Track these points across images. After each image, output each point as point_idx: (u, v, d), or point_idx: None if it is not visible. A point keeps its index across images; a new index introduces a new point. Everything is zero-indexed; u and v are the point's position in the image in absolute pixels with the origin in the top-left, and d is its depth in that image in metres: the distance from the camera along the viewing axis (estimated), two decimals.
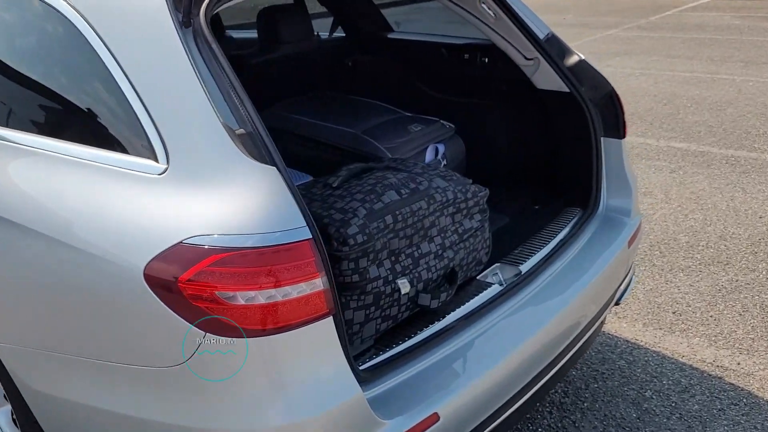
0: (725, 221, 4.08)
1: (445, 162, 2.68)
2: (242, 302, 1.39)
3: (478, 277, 2.11)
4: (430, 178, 1.96)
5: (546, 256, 2.26)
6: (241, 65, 2.85)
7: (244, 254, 1.39)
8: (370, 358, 1.72)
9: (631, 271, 2.57)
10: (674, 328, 3.11)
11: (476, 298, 1.99)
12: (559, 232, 2.42)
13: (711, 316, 3.18)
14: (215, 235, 1.40)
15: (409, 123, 2.68)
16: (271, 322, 1.40)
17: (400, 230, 1.78)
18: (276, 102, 2.83)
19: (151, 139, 1.53)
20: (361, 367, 1.68)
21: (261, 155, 1.50)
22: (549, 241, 2.35)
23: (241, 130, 1.54)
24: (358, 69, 3.12)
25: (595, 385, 2.76)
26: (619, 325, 3.15)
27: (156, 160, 1.53)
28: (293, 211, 1.43)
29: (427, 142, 2.64)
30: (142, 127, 1.54)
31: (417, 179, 1.91)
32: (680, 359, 2.90)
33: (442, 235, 1.93)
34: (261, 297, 1.39)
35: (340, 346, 1.49)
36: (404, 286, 1.77)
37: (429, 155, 2.64)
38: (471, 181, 2.10)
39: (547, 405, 2.66)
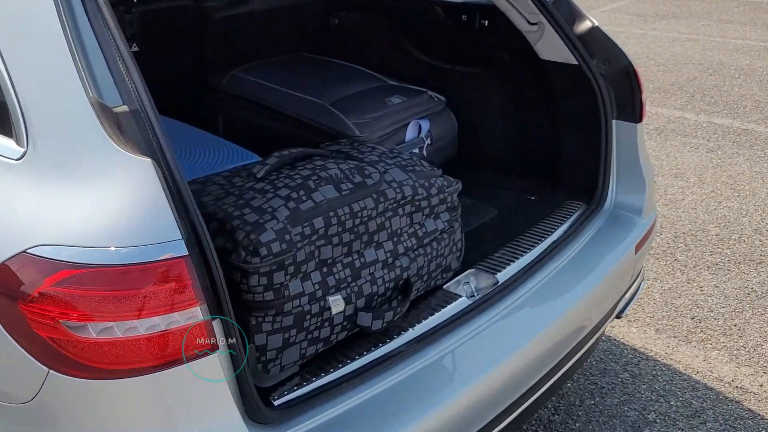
0: (763, 212, 3.64)
1: (429, 141, 2.32)
2: (94, 335, 1.08)
3: (444, 287, 1.78)
4: (385, 169, 1.62)
5: (533, 261, 1.91)
6: (204, 20, 2.52)
7: (101, 273, 1.08)
8: (291, 390, 1.41)
9: (638, 279, 2.20)
10: (691, 337, 2.74)
11: (436, 314, 1.66)
12: (554, 231, 2.06)
13: (735, 325, 2.79)
14: (67, 246, 1.10)
15: (390, 94, 2.32)
16: (131, 361, 1.09)
17: (334, 236, 1.45)
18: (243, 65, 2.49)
19: (11, 112, 1.22)
20: (277, 402, 1.37)
21: (144, 142, 1.18)
22: (540, 242, 2.00)
23: (123, 108, 1.22)
24: (343, 28, 2.75)
25: (591, 402, 2.43)
26: (627, 329, 2.79)
27: (16, 140, 1.22)
28: (166, 220, 1.11)
29: (408, 118, 2.28)
30: (1, 92, 1.23)
31: (366, 170, 1.57)
32: (694, 376, 2.54)
33: (395, 239, 1.59)
34: (118, 329, 1.08)
35: (229, 391, 1.18)
36: (337, 304, 1.44)
37: (410, 133, 2.29)
38: (440, 171, 1.74)
39: (533, 423, 2.34)
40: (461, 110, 2.47)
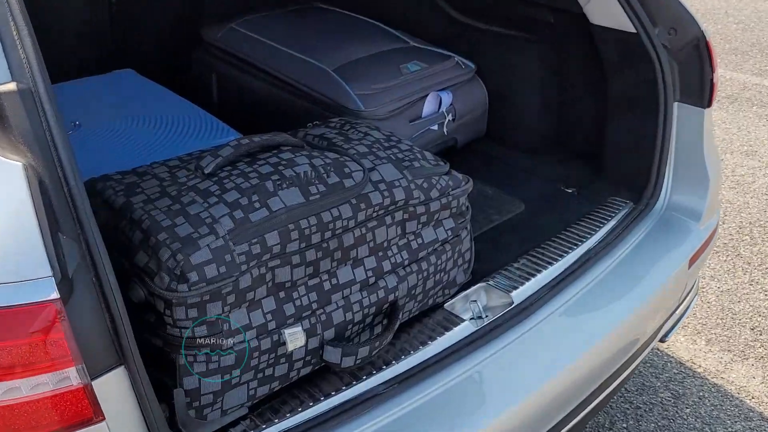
0: None
1: (451, 116, 1.97)
2: None
3: (446, 305, 1.46)
4: (374, 165, 1.29)
5: (562, 274, 1.57)
6: None
7: None
8: None
9: (689, 296, 1.84)
10: (748, 352, 2.36)
11: (431, 345, 1.35)
12: (591, 236, 1.71)
13: None
14: None
15: (409, 59, 1.97)
16: None
17: (294, 254, 1.15)
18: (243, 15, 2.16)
19: None
20: None
21: (32, 133, 0.90)
22: (572, 249, 1.66)
23: (10, 86, 0.93)
24: None
25: (624, 425, 2.10)
26: (674, 337, 2.43)
27: None
28: (33, 250, 0.82)
29: (426, 89, 1.92)
30: None
31: (348, 167, 1.25)
32: (748, 401, 2.18)
33: (380, 254, 1.28)
34: None
35: None
36: (294, 338, 1.15)
37: (428, 107, 1.94)
38: (447, 167, 1.40)
39: None
40: (493, 79, 2.10)
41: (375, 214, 1.25)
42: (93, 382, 0.91)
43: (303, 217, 1.15)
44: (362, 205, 1.22)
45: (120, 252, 1.11)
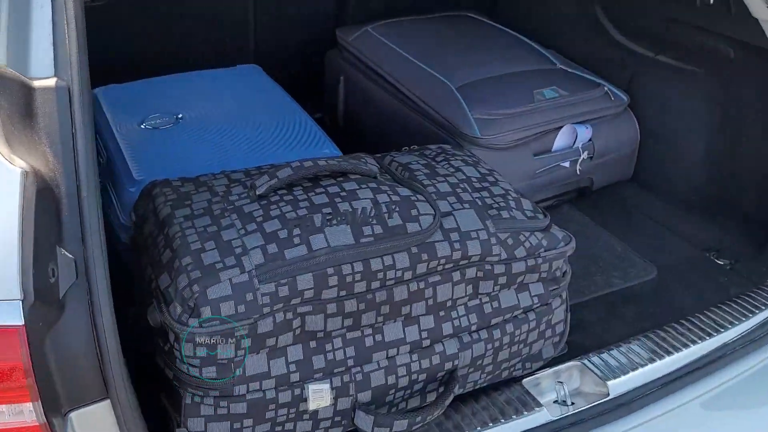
0: None
1: (587, 155, 1.71)
2: None
3: (524, 382, 1.24)
4: (452, 209, 1.10)
5: (680, 370, 1.28)
6: None
7: None
8: None
9: None
10: None
11: (492, 428, 1.14)
12: (735, 324, 1.39)
13: None
14: None
15: (547, 83, 1.73)
16: None
17: (331, 302, 1.00)
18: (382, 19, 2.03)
19: None
20: None
21: (59, 135, 0.84)
22: (705, 339, 1.35)
23: (49, 82, 0.88)
24: None
25: None
26: None
27: None
28: (8, 267, 0.75)
29: (562, 119, 1.68)
30: None
31: (416, 209, 1.07)
32: None
33: (441, 314, 1.09)
34: None
35: None
36: (318, 396, 1.01)
37: (561, 141, 1.69)
38: (547, 222, 1.18)
39: None
40: (650, 115, 1.81)
41: (441, 268, 1.07)
42: (72, 414, 0.85)
43: (347, 262, 0.99)
44: (424, 256, 1.04)
45: (153, 267, 1.04)
